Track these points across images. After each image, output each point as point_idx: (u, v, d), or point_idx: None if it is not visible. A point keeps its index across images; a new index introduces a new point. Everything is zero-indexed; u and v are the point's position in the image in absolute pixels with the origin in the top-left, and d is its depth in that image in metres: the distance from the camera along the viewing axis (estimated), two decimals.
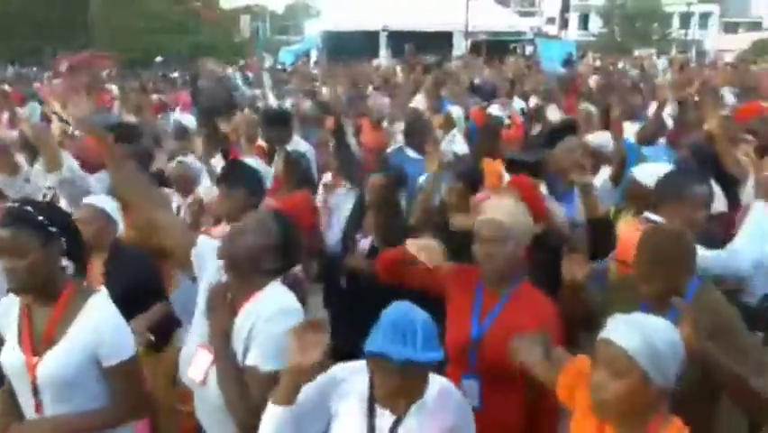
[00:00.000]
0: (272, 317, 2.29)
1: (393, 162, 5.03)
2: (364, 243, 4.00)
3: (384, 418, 2.11)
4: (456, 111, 7.17)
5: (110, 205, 3.54)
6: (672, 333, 1.91)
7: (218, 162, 5.11)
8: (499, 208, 2.67)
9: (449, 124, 6.68)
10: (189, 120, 6.89)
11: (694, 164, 4.42)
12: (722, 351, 2.22)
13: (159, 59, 23.05)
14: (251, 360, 2.27)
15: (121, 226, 3.58)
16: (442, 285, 2.81)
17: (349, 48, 23.02)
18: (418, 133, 5.42)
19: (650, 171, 3.73)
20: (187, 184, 4.77)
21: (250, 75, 15.30)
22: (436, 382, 2.18)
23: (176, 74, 17.98)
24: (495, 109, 7.40)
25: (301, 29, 45.94)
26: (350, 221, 4.25)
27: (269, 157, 5.48)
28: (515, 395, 2.58)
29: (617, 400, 1.88)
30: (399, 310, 2.04)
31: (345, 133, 4.69)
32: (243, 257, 2.37)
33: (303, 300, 3.50)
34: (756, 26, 49.95)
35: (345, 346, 2.39)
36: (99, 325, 2.30)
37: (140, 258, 3.48)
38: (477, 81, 11.68)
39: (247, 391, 2.21)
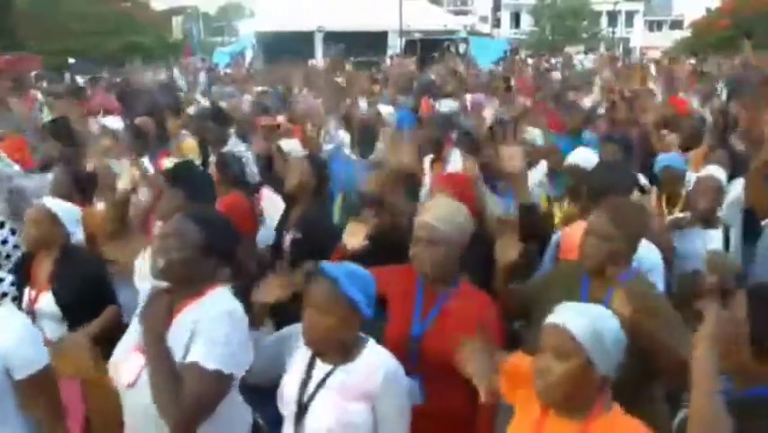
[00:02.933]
0: (219, 317, 2.24)
1: (332, 162, 5.01)
2: (287, 238, 3.93)
3: (319, 369, 2.29)
4: (386, 110, 7.23)
5: (63, 208, 3.47)
6: (617, 324, 1.97)
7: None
8: (436, 211, 2.67)
9: (381, 120, 6.70)
10: (116, 123, 6.71)
11: (624, 157, 4.56)
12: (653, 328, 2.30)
13: (71, 60, 22.14)
14: (191, 357, 2.20)
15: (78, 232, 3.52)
16: (380, 286, 2.80)
17: (284, 49, 22.83)
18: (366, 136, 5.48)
19: (585, 156, 4.03)
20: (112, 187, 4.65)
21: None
22: (374, 351, 2.31)
23: (105, 75, 17.48)
24: (446, 103, 7.54)
25: (235, 30, 45.35)
26: (280, 222, 4.21)
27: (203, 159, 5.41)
28: (457, 390, 2.57)
29: (560, 383, 1.91)
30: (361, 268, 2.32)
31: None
32: (167, 266, 2.31)
33: None
34: (678, 24, 51.83)
35: None
36: (4, 339, 2.22)
37: (90, 262, 3.42)
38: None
39: (180, 392, 2.14)
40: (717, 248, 3.87)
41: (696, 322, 1.80)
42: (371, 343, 2.34)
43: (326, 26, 25.71)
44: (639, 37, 53.91)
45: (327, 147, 5.81)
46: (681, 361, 2.12)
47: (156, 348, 2.22)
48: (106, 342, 3.16)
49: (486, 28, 46.12)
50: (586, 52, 28.39)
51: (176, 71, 15.45)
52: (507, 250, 2.69)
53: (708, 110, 7.56)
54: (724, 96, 7.92)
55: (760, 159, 4.45)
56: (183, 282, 2.33)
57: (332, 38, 25.04)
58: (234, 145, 5.62)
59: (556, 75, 11.77)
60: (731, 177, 4.40)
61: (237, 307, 2.35)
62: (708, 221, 4.01)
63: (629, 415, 1.98)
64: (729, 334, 1.82)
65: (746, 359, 1.80)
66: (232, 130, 6.14)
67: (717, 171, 4.15)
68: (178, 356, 2.23)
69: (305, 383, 2.31)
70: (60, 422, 2.38)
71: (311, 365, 2.33)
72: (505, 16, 57.91)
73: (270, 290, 2.62)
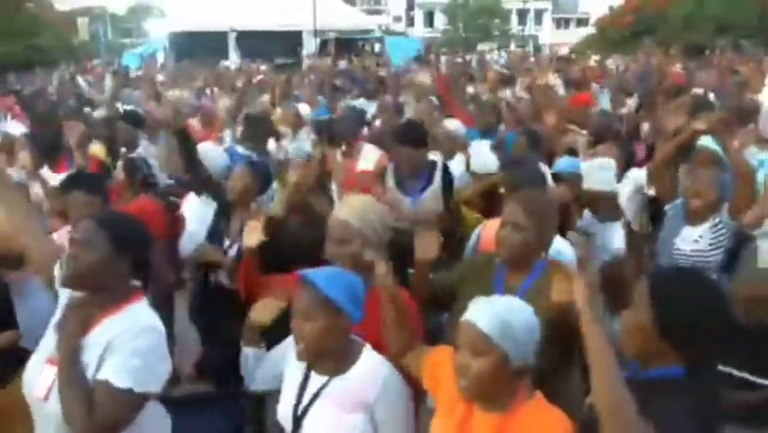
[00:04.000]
0: (135, 333, 2.17)
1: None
2: (233, 250, 3.83)
3: (314, 381, 2.27)
4: (304, 108, 7.22)
5: None
6: (528, 313, 2.01)
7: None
8: (349, 208, 2.67)
9: (298, 122, 6.69)
10: (18, 129, 6.44)
11: (529, 151, 4.69)
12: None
13: None
14: (103, 374, 2.13)
15: None
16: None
17: (197, 49, 22.40)
18: (256, 132, 5.45)
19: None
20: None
21: (90, 79, 14.52)
22: (371, 359, 2.28)
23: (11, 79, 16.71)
24: (360, 103, 7.60)
25: (145, 31, 44.09)
26: (212, 231, 4.10)
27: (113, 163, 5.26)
28: None
29: (480, 380, 1.95)
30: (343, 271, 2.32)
31: (189, 138, 4.51)
32: (73, 273, 2.23)
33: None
34: (584, 22, 53.69)
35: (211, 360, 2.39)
36: None
37: None
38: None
39: (91, 408, 2.07)
40: (619, 239, 4.06)
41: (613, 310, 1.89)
42: (367, 349, 2.31)
43: (239, 26, 25.37)
44: (548, 34, 55.62)
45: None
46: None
47: (68, 361, 2.14)
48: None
49: (400, 27, 46.59)
50: (498, 50, 29.06)
51: (80, 79, 14.87)
52: (426, 247, 2.72)
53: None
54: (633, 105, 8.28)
55: (663, 150, 4.70)
56: (94, 290, 2.25)
57: (245, 38, 24.76)
58: (145, 148, 5.48)
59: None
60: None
61: (155, 321, 2.28)
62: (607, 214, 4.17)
63: (550, 401, 2.04)
64: (632, 320, 1.90)
65: (649, 343, 1.87)
66: (142, 133, 5.99)
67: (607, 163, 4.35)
68: (90, 371, 2.15)
69: (300, 396, 2.29)
70: None
71: (306, 378, 2.31)
72: (418, 15, 58.66)
73: (266, 311, 2.62)
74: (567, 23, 60.96)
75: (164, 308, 3.20)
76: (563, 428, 1.99)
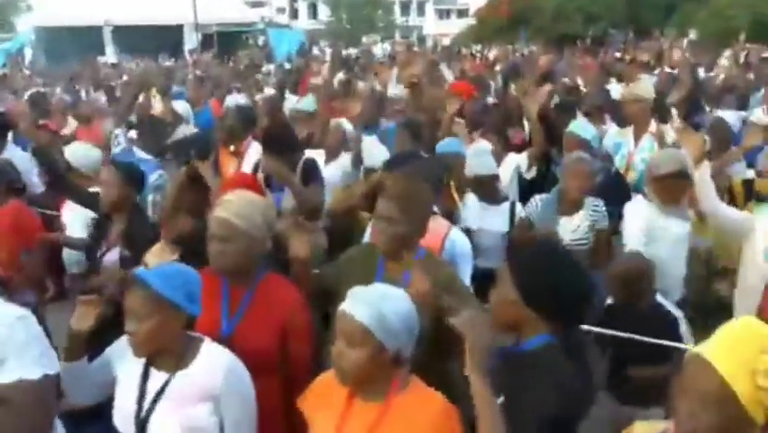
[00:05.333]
0: (11, 325, 2.03)
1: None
2: (111, 255, 3.69)
3: (155, 379, 2.24)
4: (182, 105, 7.08)
5: None
6: (405, 302, 2.08)
7: None
8: (231, 206, 2.64)
9: (176, 121, 6.52)
10: None
11: (410, 143, 4.80)
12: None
13: None
14: (9, 376, 1.98)
15: None
16: None
17: (69, 45, 21.27)
18: (150, 134, 5.28)
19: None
20: None
21: None
22: (212, 350, 2.29)
23: None
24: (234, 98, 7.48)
25: (12, 26, 41.39)
26: (94, 238, 3.94)
27: None
28: (273, 383, 2.60)
29: (356, 369, 2.01)
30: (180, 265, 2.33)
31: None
32: None
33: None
34: (465, 13, 55.01)
35: None
36: None
37: None
38: None
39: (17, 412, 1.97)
40: (503, 221, 4.24)
41: None
42: (207, 342, 2.31)
43: (115, 20, 24.28)
44: (431, 25, 56.65)
45: (116, 149, 5.57)
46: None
47: None
48: None
49: (284, 19, 46.08)
50: (382, 41, 29.31)
51: None
52: (299, 247, 2.75)
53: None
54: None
55: (535, 139, 4.98)
56: None
57: (122, 33, 23.75)
58: (12, 152, 5.19)
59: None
60: None
61: (18, 309, 2.15)
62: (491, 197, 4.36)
63: (429, 386, 2.12)
64: (500, 293, 2.04)
65: (517, 313, 2.01)
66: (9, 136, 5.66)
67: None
68: None
69: (141, 397, 2.24)
70: None
71: (145, 377, 2.27)
72: (302, 7, 58.26)
73: (85, 317, 2.39)
74: (448, 13, 62.32)
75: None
76: (443, 409, 2.07)
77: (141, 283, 2.16)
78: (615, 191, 4.45)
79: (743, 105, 7.14)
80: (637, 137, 4.83)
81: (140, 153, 5.30)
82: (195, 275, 2.29)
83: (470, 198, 4.38)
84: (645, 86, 5.10)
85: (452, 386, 2.32)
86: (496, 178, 4.44)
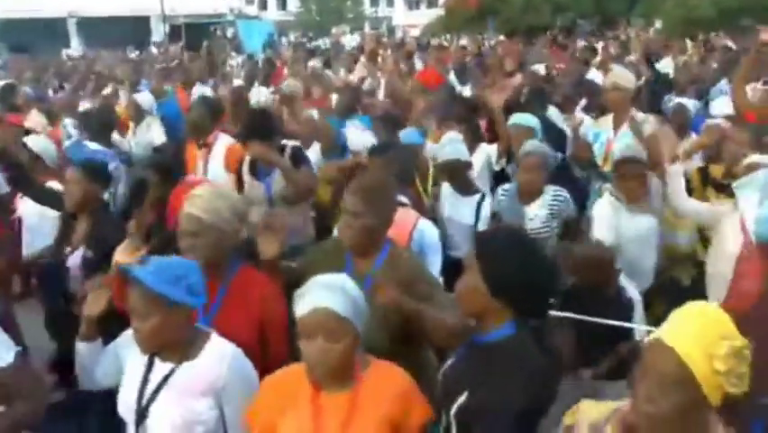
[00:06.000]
0: None
1: (74, 157, 4.75)
2: (74, 257, 3.66)
3: (159, 370, 2.25)
4: (145, 97, 7.02)
5: None
6: (354, 284, 2.10)
7: None
8: (198, 201, 2.63)
9: (138, 113, 6.46)
10: None
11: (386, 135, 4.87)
12: (416, 298, 2.49)
13: None
14: None
15: None
16: None
17: (33, 38, 20.88)
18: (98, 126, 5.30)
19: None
20: None
21: None
22: (218, 344, 2.30)
23: None
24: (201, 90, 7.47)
25: None
26: (59, 238, 3.90)
27: None
28: None
29: (343, 362, 2.01)
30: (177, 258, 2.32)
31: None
32: None
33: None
34: (434, 3, 54.92)
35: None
36: None
37: None
38: None
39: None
40: (469, 212, 4.30)
41: None
42: (214, 336, 2.31)
43: (80, 12, 23.89)
44: (400, 16, 56.45)
45: (67, 143, 5.55)
46: (447, 329, 2.35)
47: None
48: None
49: (253, 10, 45.60)
50: (352, 32, 29.21)
51: None
52: (267, 247, 2.76)
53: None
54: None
55: (500, 131, 5.07)
56: None
57: (87, 25, 23.38)
58: None
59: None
60: None
61: None
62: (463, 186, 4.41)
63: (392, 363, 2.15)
64: (466, 283, 2.04)
65: (483, 302, 2.01)
66: None
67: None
68: None
69: (143, 387, 2.25)
70: None
71: (149, 367, 2.27)
72: None
73: (96, 303, 2.46)
74: (418, 4, 62.13)
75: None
76: (405, 379, 2.12)
77: (137, 282, 2.13)
78: (562, 178, 4.51)
79: (701, 95, 7.28)
80: (617, 126, 4.88)
81: (91, 145, 5.27)
82: (192, 266, 2.26)
83: (446, 187, 4.46)
84: (626, 74, 5.15)
85: (422, 369, 2.40)
86: (468, 165, 4.50)
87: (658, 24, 22.40)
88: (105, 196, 4.08)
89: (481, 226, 4.25)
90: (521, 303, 2.00)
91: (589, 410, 1.79)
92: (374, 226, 2.67)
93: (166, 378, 2.24)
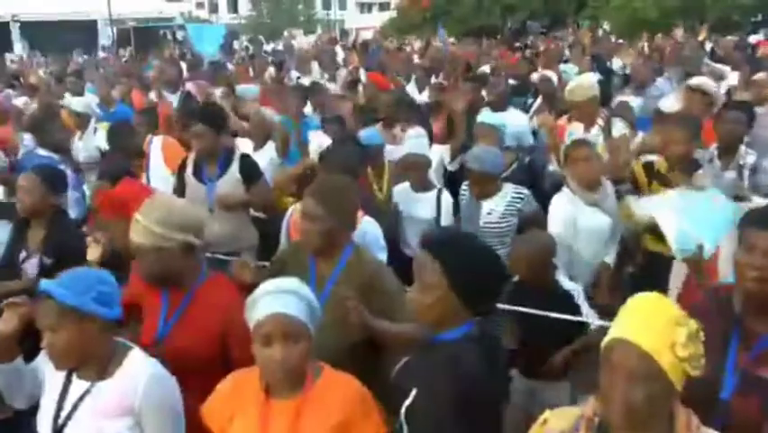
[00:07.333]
0: None
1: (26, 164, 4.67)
2: (31, 264, 3.59)
3: (76, 388, 2.19)
4: (86, 100, 6.93)
5: None
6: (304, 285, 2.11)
7: None
8: (150, 213, 2.56)
9: (82, 120, 6.33)
10: None
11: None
12: (376, 301, 2.54)
13: None
14: None
15: None
16: (134, 299, 2.71)
17: None
18: (48, 132, 5.22)
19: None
20: None
21: None
22: (136, 361, 2.22)
23: None
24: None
25: None
26: (12, 244, 3.80)
27: None
28: (212, 384, 2.62)
29: (300, 368, 2.01)
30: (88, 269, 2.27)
31: None
32: None
33: None
34: (386, 6, 55.09)
35: None
36: None
37: None
38: None
39: None
40: (429, 207, 4.37)
41: None
42: (134, 352, 2.24)
43: (24, 15, 23.24)
44: (353, 18, 56.48)
45: (22, 151, 5.47)
46: (409, 339, 2.37)
47: None
48: None
49: (204, 14, 45.11)
50: (305, 35, 29.10)
51: None
52: (243, 274, 2.79)
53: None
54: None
55: (458, 132, 5.14)
56: None
57: (31, 28, 22.77)
58: None
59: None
60: None
61: None
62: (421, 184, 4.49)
63: (363, 380, 2.14)
64: (428, 294, 1.99)
65: (447, 307, 1.98)
66: None
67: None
68: None
69: (60, 406, 2.19)
70: None
71: (67, 385, 2.21)
72: (222, 1, 57.10)
73: (9, 321, 2.28)
74: (370, 7, 62.28)
75: None
76: (358, 390, 2.11)
77: (46, 296, 2.08)
78: (522, 178, 4.63)
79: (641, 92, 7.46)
80: (585, 129, 4.99)
81: (42, 152, 5.24)
82: (106, 276, 2.20)
83: (399, 187, 4.56)
84: (590, 79, 5.29)
85: (380, 371, 2.42)
86: (429, 163, 4.58)
87: (606, 26, 22.89)
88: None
89: (444, 218, 4.35)
90: (477, 300, 1.99)
91: (556, 421, 1.79)
92: (333, 229, 2.67)
93: (82, 397, 2.17)
